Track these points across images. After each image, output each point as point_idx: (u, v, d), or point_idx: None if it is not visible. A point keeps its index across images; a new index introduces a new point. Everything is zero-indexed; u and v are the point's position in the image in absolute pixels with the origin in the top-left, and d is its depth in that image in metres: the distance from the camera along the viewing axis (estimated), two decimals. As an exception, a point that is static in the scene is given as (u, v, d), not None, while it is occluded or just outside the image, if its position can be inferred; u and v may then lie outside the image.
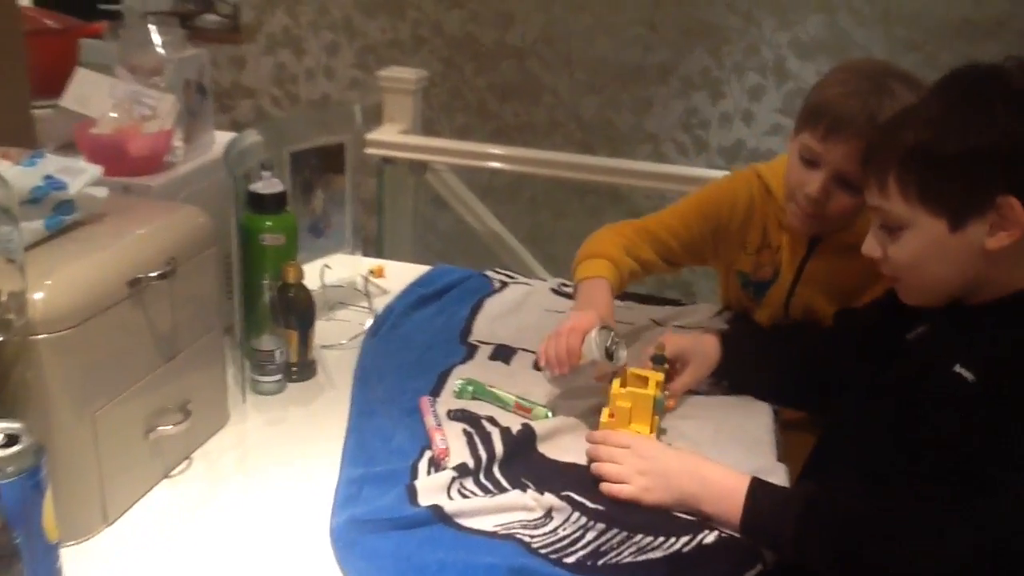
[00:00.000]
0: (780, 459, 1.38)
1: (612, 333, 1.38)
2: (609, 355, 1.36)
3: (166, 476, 1.23)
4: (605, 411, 1.36)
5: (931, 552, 1.11)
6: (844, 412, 1.38)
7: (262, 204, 1.47)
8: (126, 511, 1.16)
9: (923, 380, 1.22)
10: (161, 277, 1.12)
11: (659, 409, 1.37)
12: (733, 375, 1.54)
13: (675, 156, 3.79)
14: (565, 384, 1.44)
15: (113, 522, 1.13)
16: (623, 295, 1.72)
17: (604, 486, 1.25)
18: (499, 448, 1.30)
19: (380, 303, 1.77)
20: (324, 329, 1.60)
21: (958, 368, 1.14)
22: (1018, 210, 1.10)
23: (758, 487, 1.21)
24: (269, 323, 1.41)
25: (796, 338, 1.61)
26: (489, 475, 1.27)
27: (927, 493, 1.14)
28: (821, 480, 1.30)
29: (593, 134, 3.85)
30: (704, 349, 1.53)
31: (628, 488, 1.24)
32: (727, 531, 1.19)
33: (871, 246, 1.24)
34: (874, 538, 1.14)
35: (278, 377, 1.44)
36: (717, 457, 1.34)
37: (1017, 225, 1.11)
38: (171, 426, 1.19)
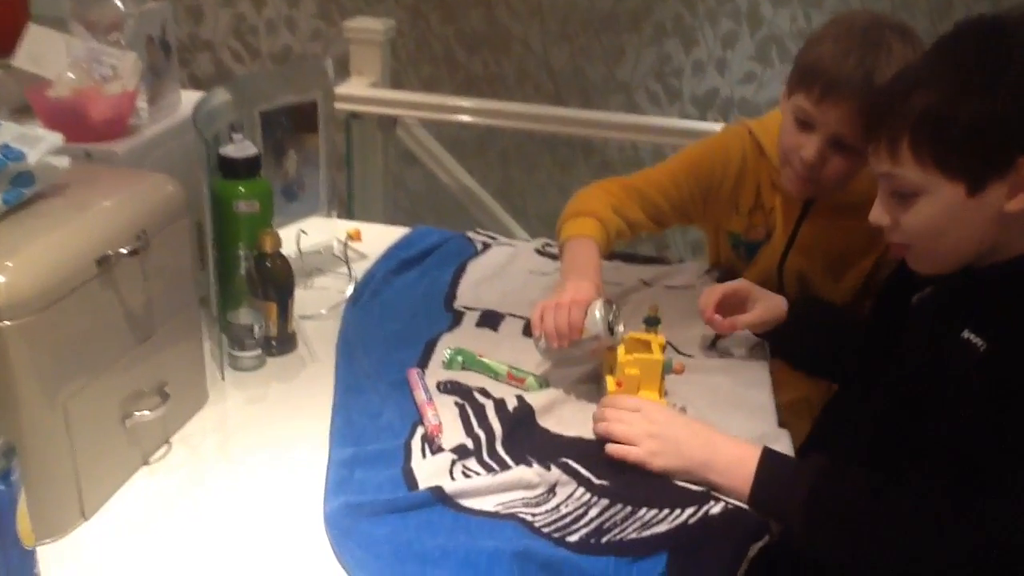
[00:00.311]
0: (781, 425, 1.34)
1: (614, 307, 1.32)
2: (610, 330, 1.30)
3: (145, 464, 1.16)
4: (611, 380, 1.30)
5: (937, 540, 1.08)
6: (850, 384, 1.34)
7: (234, 169, 1.38)
8: (104, 504, 1.09)
9: (930, 346, 1.18)
10: (132, 253, 1.04)
11: (667, 372, 1.31)
12: (792, 341, 1.49)
13: (648, 106, 3.72)
14: (557, 356, 1.38)
15: (91, 517, 1.07)
16: (609, 255, 1.67)
17: (611, 447, 1.21)
18: (496, 426, 1.25)
19: (360, 268, 1.69)
20: (303, 298, 1.52)
21: (967, 334, 1.11)
22: None
23: (769, 457, 1.17)
24: (246, 295, 1.34)
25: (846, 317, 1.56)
26: (493, 454, 1.21)
27: (936, 473, 1.10)
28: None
29: (564, 84, 3.76)
30: (774, 300, 1.48)
31: (636, 450, 1.20)
32: (734, 502, 1.15)
33: (879, 214, 1.19)
34: (881, 521, 1.10)
35: (257, 352, 1.37)
36: (718, 422, 1.30)
37: None
38: (148, 411, 1.12)
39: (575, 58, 3.71)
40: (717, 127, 2.67)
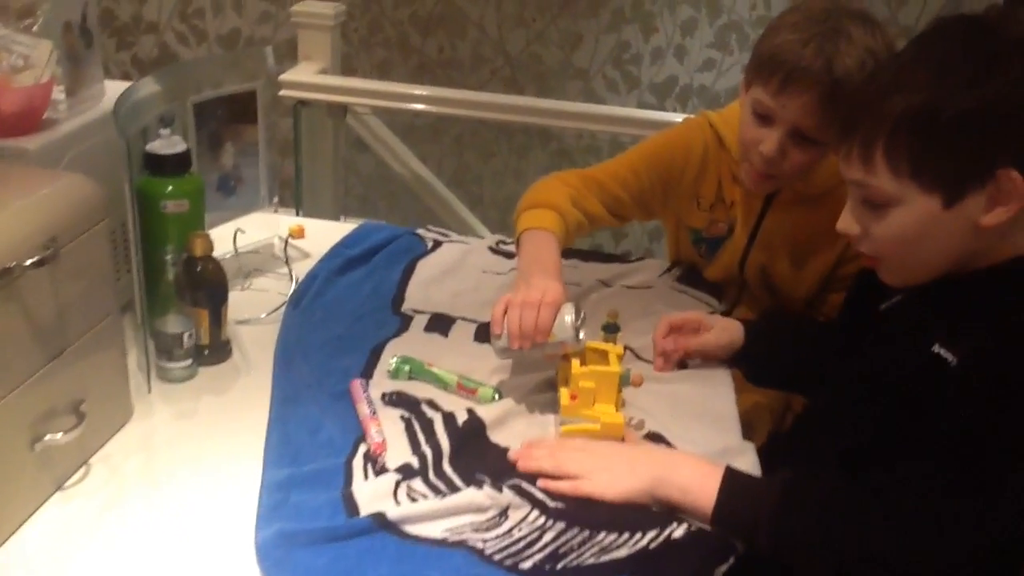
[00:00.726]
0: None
1: (583, 313, 1.25)
2: (576, 336, 1.22)
3: (58, 489, 1.06)
4: (564, 392, 1.22)
5: (917, 548, 1.03)
6: (818, 394, 1.29)
7: (161, 166, 1.28)
8: (9, 536, 0.99)
9: (900, 360, 1.12)
10: (38, 264, 0.94)
11: (624, 384, 1.24)
12: (752, 362, 1.43)
13: (605, 92, 3.65)
14: (513, 357, 1.30)
15: (-6, 552, 0.97)
16: (566, 252, 1.59)
17: (558, 484, 1.12)
18: (444, 442, 1.16)
19: (302, 268, 1.60)
20: (239, 301, 1.43)
21: (937, 348, 1.06)
22: (1018, 183, 1.00)
23: (733, 475, 1.11)
24: (175, 302, 1.24)
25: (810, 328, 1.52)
26: (439, 473, 1.13)
27: (910, 481, 1.05)
28: (793, 465, 1.19)
29: (521, 69, 3.67)
30: (728, 324, 1.43)
31: (586, 483, 1.12)
32: (697, 523, 1.09)
33: (848, 223, 1.13)
34: (855, 529, 1.05)
35: (188, 362, 1.27)
36: (681, 434, 1.25)
37: (1016, 199, 1.01)
38: (61, 433, 1.02)
39: (532, 43, 3.63)
40: (676, 116, 2.61)
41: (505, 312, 1.26)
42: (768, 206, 1.57)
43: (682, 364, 1.42)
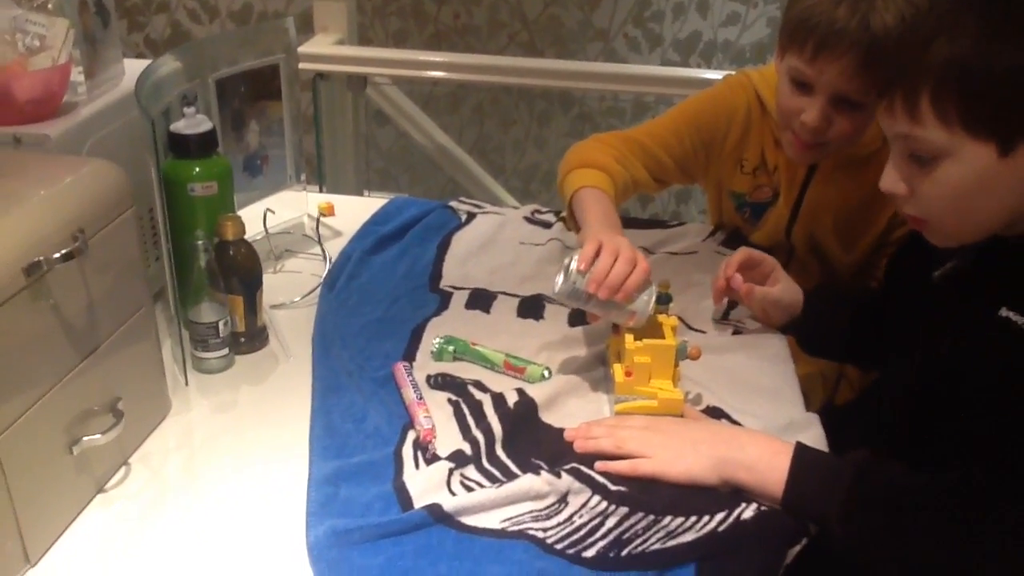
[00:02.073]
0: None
1: (656, 291, 1.19)
2: (646, 312, 1.17)
3: (99, 491, 1.02)
4: (618, 369, 1.16)
5: (988, 537, 0.97)
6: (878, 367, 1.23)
7: (187, 147, 1.23)
8: (53, 544, 0.94)
9: (960, 327, 1.06)
10: (67, 257, 0.89)
11: (681, 358, 1.18)
12: (808, 330, 1.38)
13: (627, 52, 3.56)
14: (571, 303, 1.21)
15: (38, 561, 0.92)
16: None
17: (618, 464, 1.07)
18: (496, 426, 1.11)
19: (335, 247, 1.54)
20: (273, 285, 1.38)
21: (1005, 312, 0.99)
22: None
23: (803, 453, 1.05)
24: (208, 289, 1.19)
25: (867, 299, 1.44)
26: (493, 459, 1.08)
27: (982, 466, 0.99)
28: (861, 440, 1.14)
29: (539, 33, 3.59)
30: (794, 286, 1.37)
31: (648, 461, 1.06)
32: (767, 503, 1.03)
33: (892, 181, 1.05)
34: (926, 521, 0.99)
35: (224, 352, 1.22)
36: (741, 408, 1.20)
37: None
38: (99, 434, 0.97)
39: (550, 5, 3.54)
40: (701, 73, 2.53)
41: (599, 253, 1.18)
42: (812, 173, 1.50)
43: (736, 330, 1.36)
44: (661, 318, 1.20)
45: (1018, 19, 0.94)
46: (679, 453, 1.06)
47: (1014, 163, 0.96)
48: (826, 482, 1.02)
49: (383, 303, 1.40)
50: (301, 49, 2.58)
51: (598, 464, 1.07)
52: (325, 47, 2.63)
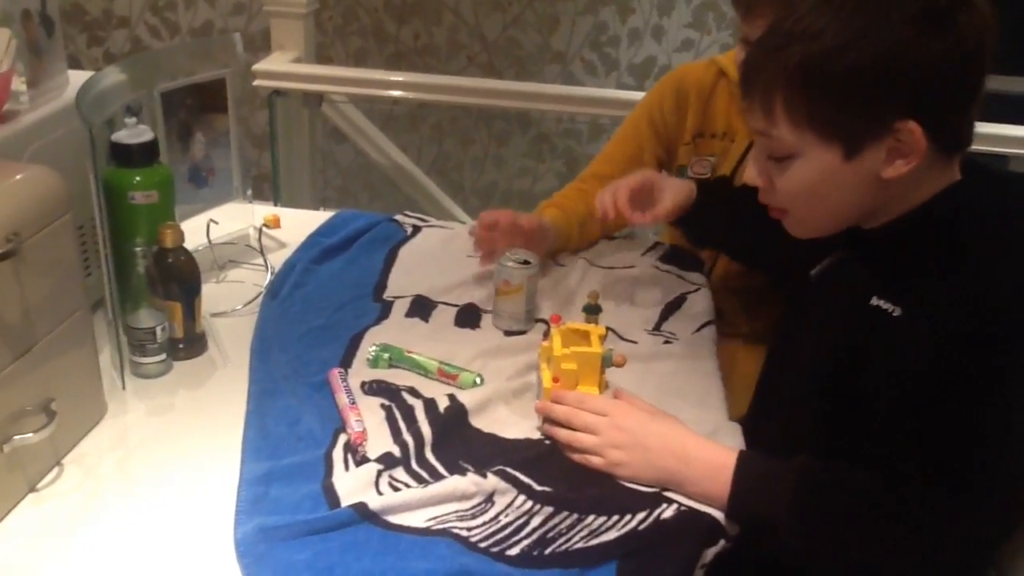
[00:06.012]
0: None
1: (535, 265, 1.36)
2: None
3: (31, 490, 1.03)
4: (546, 374, 1.20)
5: (933, 535, 1.02)
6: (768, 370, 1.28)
7: (128, 156, 1.25)
8: (-19, 541, 0.96)
9: (839, 319, 1.12)
10: (0, 259, 0.91)
11: (607, 365, 1.22)
12: (701, 221, 1.47)
13: (584, 75, 3.62)
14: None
15: (-35, 557, 0.94)
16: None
17: (574, 455, 1.12)
18: (426, 429, 1.14)
19: (278, 259, 1.57)
20: (214, 294, 1.40)
21: (876, 301, 1.05)
22: (918, 136, 0.98)
23: (745, 465, 1.07)
24: (146, 295, 1.21)
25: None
26: (422, 461, 1.10)
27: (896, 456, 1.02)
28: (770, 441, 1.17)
29: (498, 55, 3.64)
30: (682, 183, 1.45)
31: (599, 460, 1.11)
32: (687, 503, 1.07)
33: (754, 175, 1.12)
34: (872, 520, 1.02)
35: (162, 357, 1.24)
36: (666, 415, 1.22)
37: (916, 152, 1.00)
38: (31, 433, 0.99)
39: (509, 28, 3.59)
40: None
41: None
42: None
43: (667, 340, 1.40)
44: (590, 327, 1.24)
45: (863, 23, 0.98)
46: (629, 458, 1.10)
47: (858, 167, 1.02)
48: (770, 492, 1.05)
49: (326, 311, 1.43)
50: (258, 66, 2.61)
51: (544, 426, 1.16)
52: (282, 64, 2.66)
